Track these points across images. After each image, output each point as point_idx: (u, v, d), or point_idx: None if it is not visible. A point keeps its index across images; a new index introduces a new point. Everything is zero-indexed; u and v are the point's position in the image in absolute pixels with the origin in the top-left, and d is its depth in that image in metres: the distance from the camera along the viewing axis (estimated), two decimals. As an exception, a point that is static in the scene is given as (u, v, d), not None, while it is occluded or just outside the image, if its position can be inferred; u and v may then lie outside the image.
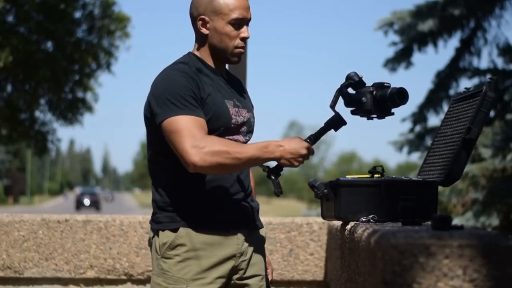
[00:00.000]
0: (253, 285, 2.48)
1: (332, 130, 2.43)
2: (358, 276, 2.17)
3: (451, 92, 12.48)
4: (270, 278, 2.66)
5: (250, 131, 2.52)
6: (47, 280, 3.81)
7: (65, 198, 78.78)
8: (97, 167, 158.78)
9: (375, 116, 2.45)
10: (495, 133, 10.29)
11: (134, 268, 3.78)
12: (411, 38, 12.38)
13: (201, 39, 2.46)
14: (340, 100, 2.43)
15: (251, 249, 2.48)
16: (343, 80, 2.43)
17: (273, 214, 27.86)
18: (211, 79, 2.43)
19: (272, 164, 2.39)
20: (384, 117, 2.45)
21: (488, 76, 11.02)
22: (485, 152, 10.19)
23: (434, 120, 18.92)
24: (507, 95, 10.98)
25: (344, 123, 2.40)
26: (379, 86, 2.42)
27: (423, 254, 1.60)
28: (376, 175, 2.52)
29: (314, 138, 2.40)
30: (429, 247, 1.60)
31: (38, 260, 3.77)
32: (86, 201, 43.88)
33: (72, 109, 21.11)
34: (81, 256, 3.78)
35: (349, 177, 2.54)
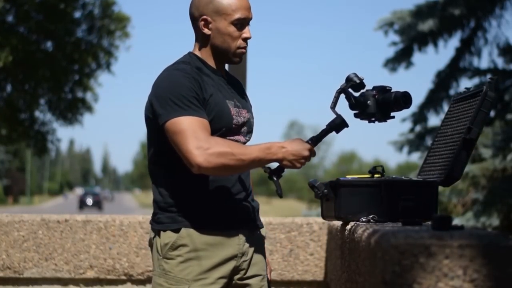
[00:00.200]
0: (254, 285, 2.48)
1: (334, 132, 2.43)
2: (358, 276, 2.17)
3: (451, 92, 12.48)
4: (269, 278, 2.66)
5: (250, 131, 2.52)
6: (47, 280, 3.81)
7: (65, 198, 78.79)
8: (97, 167, 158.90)
9: (377, 119, 2.45)
10: (495, 133, 10.28)
11: (134, 268, 3.78)
12: (411, 38, 12.37)
13: (202, 39, 2.46)
14: (340, 101, 2.43)
15: (252, 249, 2.48)
16: (343, 80, 2.44)
17: (273, 214, 27.87)
18: (212, 79, 2.43)
19: (274, 165, 2.39)
20: (386, 120, 2.47)
21: (489, 76, 11.02)
22: (486, 152, 10.18)
23: (434, 120, 18.93)
24: (507, 95, 10.97)
25: (346, 125, 2.41)
26: (381, 89, 2.43)
27: (423, 254, 1.60)
28: (376, 175, 2.52)
29: (316, 139, 2.40)
30: (429, 247, 1.60)
31: (38, 260, 3.77)
32: (89, 201, 45.35)
33: (72, 109, 21.11)
34: (81, 256, 3.77)
35: (349, 177, 2.54)
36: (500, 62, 15.07)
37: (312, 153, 2.36)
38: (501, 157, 9.96)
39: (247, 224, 2.48)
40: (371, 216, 2.39)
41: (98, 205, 45.17)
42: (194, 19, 2.45)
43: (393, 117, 2.47)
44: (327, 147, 74.82)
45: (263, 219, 2.84)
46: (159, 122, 2.32)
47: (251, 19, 2.45)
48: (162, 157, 2.41)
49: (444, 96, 12.52)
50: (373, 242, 1.80)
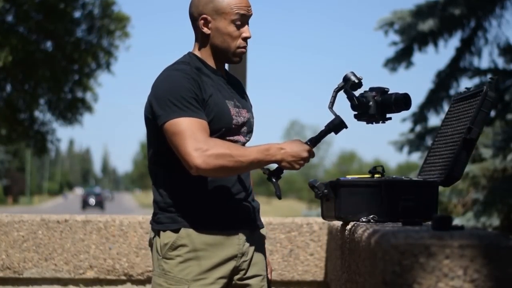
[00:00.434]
0: (254, 285, 2.48)
1: (333, 133, 2.43)
2: (358, 277, 2.17)
3: (452, 92, 12.49)
4: (269, 278, 2.66)
5: (250, 131, 2.52)
6: (47, 281, 3.80)
7: (65, 198, 78.81)
8: (97, 167, 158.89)
9: (376, 120, 2.45)
10: (495, 133, 10.29)
11: (134, 268, 3.77)
12: (411, 38, 12.38)
13: (202, 39, 2.46)
14: (339, 101, 2.43)
15: (252, 249, 2.47)
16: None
17: (273, 214, 27.86)
18: (211, 80, 2.42)
19: (273, 166, 2.39)
20: (384, 122, 2.47)
21: (489, 76, 11.02)
22: (486, 152, 10.18)
23: (434, 120, 18.94)
24: (507, 95, 10.98)
25: (345, 126, 2.41)
26: (380, 91, 2.43)
27: (424, 254, 1.60)
28: (376, 175, 2.52)
29: (315, 141, 2.40)
30: (430, 247, 1.60)
31: (37, 261, 3.77)
32: (92, 201, 46.82)
33: (71, 109, 21.09)
34: (81, 256, 3.77)
35: (349, 177, 2.53)
36: (500, 62, 15.10)
37: (311, 154, 2.36)
38: (501, 157, 9.96)
39: (247, 224, 2.47)
40: (371, 216, 2.39)
41: (100, 205, 46.56)
42: (194, 19, 2.45)
43: (390, 118, 2.47)
44: (327, 147, 74.80)
45: (263, 219, 2.84)
46: (158, 123, 2.32)
47: (250, 17, 2.44)
48: (161, 157, 2.40)
49: (444, 96, 12.52)
50: (373, 242, 1.79)
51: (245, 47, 2.46)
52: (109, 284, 3.82)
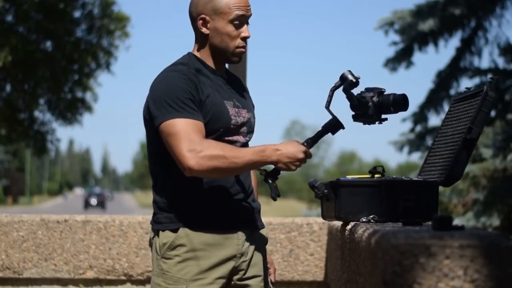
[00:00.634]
0: (253, 286, 2.47)
1: (331, 133, 2.42)
2: (358, 277, 2.16)
3: (452, 92, 12.50)
4: (273, 278, 2.65)
5: (250, 131, 2.51)
6: (47, 281, 3.80)
7: (65, 198, 78.83)
8: (97, 167, 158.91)
9: (373, 121, 2.44)
10: (496, 133, 10.29)
11: (134, 268, 3.77)
12: (411, 38, 12.38)
13: (201, 39, 2.45)
14: (339, 102, 2.42)
15: (252, 249, 2.47)
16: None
17: (273, 214, 27.86)
18: (210, 80, 2.42)
19: (270, 167, 2.38)
20: (381, 123, 2.46)
21: (489, 76, 11.02)
22: (486, 152, 10.19)
23: (434, 120, 18.95)
24: (508, 95, 10.98)
25: (342, 127, 2.39)
26: (377, 91, 2.42)
27: (424, 254, 1.59)
28: (376, 175, 2.51)
29: (312, 141, 2.39)
30: (430, 247, 1.59)
31: (37, 261, 3.76)
32: (93, 201, 48.49)
33: (71, 109, 21.09)
34: (81, 256, 3.77)
35: (349, 177, 2.53)
36: (500, 62, 15.09)
37: (308, 155, 2.34)
38: (501, 157, 9.97)
39: (247, 225, 2.47)
40: (372, 216, 2.39)
41: (102, 205, 48.05)
42: (193, 19, 2.45)
43: (386, 119, 2.46)
44: (327, 147, 74.85)
45: (263, 219, 2.83)
46: (155, 124, 2.32)
47: (249, 17, 2.43)
48: (160, 158, 2.40)
49: (444, 96, 12.53)
50: (374, 242, 1.79)
51: (244, 47, 2.45)
52: (109, 284, 3.81)
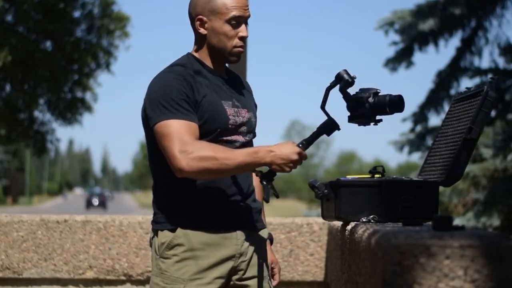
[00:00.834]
0: (253, 286, 2.47)
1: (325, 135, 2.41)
2: (358, 277, 2.16)
3: (452, 92, 12.50)
4: (277, 278, 2.65)
5: (250, 131, 2.50)
6: (46, 281, 3.80)
7: (64, 198, 78.85)
8: (97, 167, 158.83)
9: (368, 122, 2.42)
10: (496, 133, 10.29)
11: (134, 268, 3.77)
12: (411, 38, 12.38)
13: (199, 39, 2.45)
14: (335, 102, 2.41)
15: (251, 250, 2.46)
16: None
17: (273, 214, 27.83)
18: (208, 80, 2.41)
19: (266, 169, 2.37)
20: (376, 124, 2.43)
21: (489, 75, 11.02)
22: (486, 152, 10.19)
23: (435, 120, 18.93)
24: (508, 95, 10.98)
25: (338, 128, 2.37)
26: (373, 92, 2.39)
27: (424, 254, 1.59)
28: (376, 175, 2.51)
29: (307, 143, 2.37)
30: (430, 247, 1.59)
31: (37, 261, 3.76)
32: (95, 201, 49.55)
33: (71, 109, 21.09)
34: (80, 256, 3.76)
35: (349, 177, 2.53)
36: (501, 62, 15.06)
37: (302, 157, 2.32)
38: (501, 157, 9.97)
39: (246, 225, 2.47)
40: (372, 216, 2.39)
41: (103, 205, 49.11)
42: (192, 19, 2.45)
43: (381, 120, 2.43)
44: (327, 147, 74.89)
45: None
46: (150, 124, 2.33)
47: (248, 17, 2.43)
48: (159, 158, 2.40)
49: (444, 96, 12.53)
50: (374, 242, 1.79)
51: (242, 47, 2.44)
52: (108, 284, 3.81)
